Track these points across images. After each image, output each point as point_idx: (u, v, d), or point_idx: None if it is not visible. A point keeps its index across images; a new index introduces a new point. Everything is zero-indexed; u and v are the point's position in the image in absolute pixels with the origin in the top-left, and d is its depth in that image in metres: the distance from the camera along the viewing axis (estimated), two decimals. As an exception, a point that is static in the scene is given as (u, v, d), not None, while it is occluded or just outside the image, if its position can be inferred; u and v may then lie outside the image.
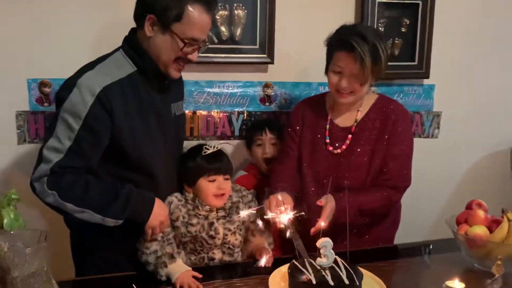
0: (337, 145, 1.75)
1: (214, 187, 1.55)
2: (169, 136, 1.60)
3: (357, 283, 1.16)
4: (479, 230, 1.52)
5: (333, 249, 1.23)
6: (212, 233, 1.54)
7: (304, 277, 1.17)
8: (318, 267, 1.18)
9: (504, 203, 1.58)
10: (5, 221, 1.00)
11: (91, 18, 1.96)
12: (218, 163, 1.58)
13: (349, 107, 1.75)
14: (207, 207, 1.56)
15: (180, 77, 1.72)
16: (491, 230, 1.53)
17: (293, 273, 1.20)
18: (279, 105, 2.25)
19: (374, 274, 1.31)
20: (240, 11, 2.08)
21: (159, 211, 1.48)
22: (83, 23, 1.96)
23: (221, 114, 2.20)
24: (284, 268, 1.26)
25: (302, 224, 1.45)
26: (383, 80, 2.30)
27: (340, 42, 1.62)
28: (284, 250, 1.71)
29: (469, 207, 1.67)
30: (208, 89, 2.16)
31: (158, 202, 1.50)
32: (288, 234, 1.33)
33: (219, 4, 2.03)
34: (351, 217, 1.61)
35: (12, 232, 1.03)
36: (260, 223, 1.52)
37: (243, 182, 1.93)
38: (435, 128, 2.49)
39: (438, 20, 2.28)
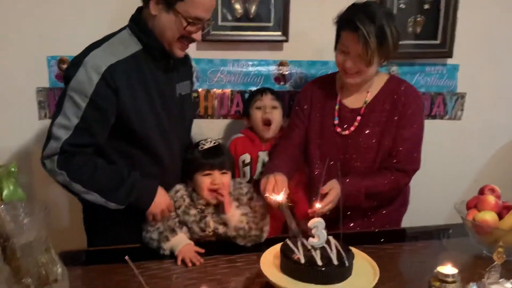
0: (345, 126, 1.73)
1: (208, 182, 1.56)
2: (173, 115, 1.62)
3: (347, 264, 1.16)
4: (488, 216, 1.47)
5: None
6: (202, 225, 1.56)
7: (294, 256, 1.18)
8: (310, 247, 1.18)
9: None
10: (5, 192, 1.05)
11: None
12: (213, 158, 1.58)
13: (358, 88, 1.72)
14: (203, 201, 1.58)
15: (187, 57, 1.73)
16: (501, 217, 1.48)
17: (284, 252, 1.21)
18: (294, 84, 2.23)
19: (370, 257, 1.29)
20: (254, -12, 2.06)
21: (160, 200, 1.52)
22: (101, 2, 1.99)
23: (235, 92, 2.20)
24: (278, 247, 1.27)
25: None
26: (403, 60, 2.23)
27: (345, 21, 1.59)
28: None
29: (481, 192, 1.61)
30: (222, 68, 2.16)
31: (160, 191, 1.54)
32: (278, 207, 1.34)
33: (234, -19, 2.01)
34: (357, 201, 1.62)
35: (12, 202, 1.08)
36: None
37: (237, 143, 1.99)
38: (458, 109, 2.39)
39: (464, -4, 2.17)
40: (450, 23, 2.19)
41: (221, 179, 1.57)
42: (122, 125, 1.49)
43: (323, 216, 1.26)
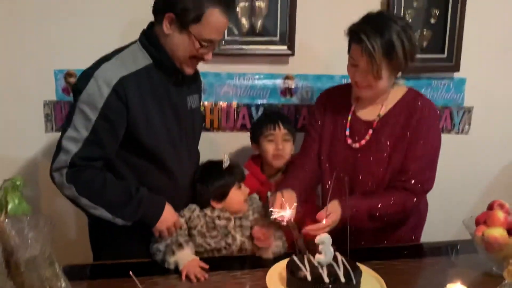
0: (357, 138, 1.68)
1: (244, 194, 1.64)
2: (184, 128, 1.63)
3: (354, 281, 1.14)
4: (497, 232, 1.44)
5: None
6: (230, 241, 1.58)
7: (300, 273, 1.16)
8: (316, 264, 1.17)
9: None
10: (10, 206, 1.05)
11: (116, 12, 2.01)
12: (239, 172, 1.65)
13: (373, 100, 1.67)
14: (227, 214, 1.59)
15: (196, 71, 1.72)
16: (511, 233, 1.46)
17: (291, 269, 1.19)
18: (300, 98, 2.23)
19: (378, 274, 1.27)
20: (260, 3, 2.07)
21: (167, 217, 1.52)
22: (108, 17, 2.01)
23: (241, 106, 2.20)
24: (284, 263, 1.25)
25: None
26: (410, 74, 2.22)
27: (353, 33, 1.55)
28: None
29: (490, 207, 1.59)
30: (229, 81, 2.17)
31: (167, 207, 1.54)
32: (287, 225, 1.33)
33: (240, -4, 2.03)
34: (360, 223, 1.54)
35: (17, 216, 1.08)
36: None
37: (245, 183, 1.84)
38: (465, 123, 2.38)
39: (470, 10, 2.16)
40: (457, 37, 2.19)
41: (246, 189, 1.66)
42: (132, 137, 1.49)
43: (331, 232, 1.24)
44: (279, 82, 2.20)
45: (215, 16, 1.44)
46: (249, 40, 2.10)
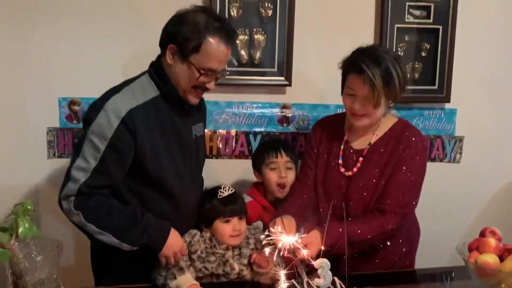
0: (349, 167, 1.75)
1: (230, 229, 1.62)
2: (189, 156, 1.67)
3: (352, 306, 1.17)
4: (490, 259, 1.48)
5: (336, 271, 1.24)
6: (227, 269, 1.59)
7: (300, 297, 1.19)
8: (315, 288, 1.20)
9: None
10: (20, 229, 1.08)
11: (119, 43, 2.08)
12: (232, 205, 1.64)
13: (365, 129, 1.74)
14: (224, 246, 1.62)
15: (202, 99, 1.77)
16: (503, 259, 1.50)
17: (291, 293, 1.22)
18: (297, 126, 2.30)
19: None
20: (259, 36, 2.16)
21: (173, 243, 1.53)
22: (112, 47, 2.08)
23: (240, 133, 2.26)
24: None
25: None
26: (403, 104, 2.31)
27: (351, 64, 1.63)
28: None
29: (482, 234, 1.63)
30: (228, 109, 2.24)
31: (173, 233, 1.55)
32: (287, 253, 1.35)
33: (240, 29, 2.12)
34: (339, 249, 1.54)
35: (27, 240, 1.11)
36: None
37: (249, 209, 1.79)
38: (457, 152, 2.45)
39: (459, 44, 2.27)
40: (447, 70, 2.29)
41: (240, 224, 1.63)
42: (138, 167, 1.52)
43: (327, 256, 1.27)
44: (276, 111, 2.27)
45: (214, 45, 1.48)
46: (248, 71, 2.18)
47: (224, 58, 1.54)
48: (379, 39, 2.23)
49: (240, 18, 2.13)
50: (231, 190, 1.69)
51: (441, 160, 2.44)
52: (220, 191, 1.67)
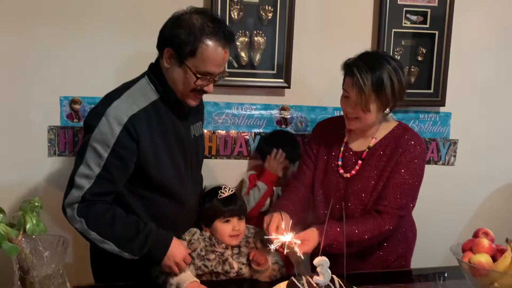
0: (348, 168, 1.78)
1: (230, 228, 1.64)
2: (189, 158, 1.68)
3: (350, 302, 1.20)
4: (483, 259, 1.52)
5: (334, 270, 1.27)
6: (227, 268, 1.62)
7: (300, 294, 1.22)
8: (315, 285, 1.23)
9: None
10: (27, 225, 1.10)
11: (121, 42, 2.11)
12: (232, 206, 1.67)
13: (364, 132, 1.77)
14: (223, 245, 1.65)
15: (200, 99, 1.77)
16: (495, 259, 1.54)
17: (290, 290, 1.25)
18: (295, 127, 2.33)
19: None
20: (259, 38, 2.19)
21: (174, 252, 1.51)
22: (113, 48, 2.11)
23: (239, 134, 2.29)
24: (283, 285, 1.31)
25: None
26: (398, 107, 2.34)
27: (346, 66, 1.67)
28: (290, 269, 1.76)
29: (476, 235, 1.67)
30: (227, 110, 2.27)
31: (175, 243, 1.53)
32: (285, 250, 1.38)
33: (240, 31, 2.15)
34: (337, 249, 1.57)
35: (33, 236, 1.13)
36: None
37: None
38: (451, 155, 2.49)
39: (454, 49, 2.32)
40: (442, 74, 2.34)
41: (239, 225, 1.66)
42: (140, 171, 1.53)
43: (327, 254, 1.30)
44: (275, 112, 2.31)
45: (210, 49, 1.46)
46: (248, 73, 2.21)
47: (221, 61, 1.51)
48: (376, 43, 2.27)
49: (241, 20, 2.17)
50: (232, 190, 1.72)
51: (435, 163, 2.49)
52: (221, 192, 1.70)
